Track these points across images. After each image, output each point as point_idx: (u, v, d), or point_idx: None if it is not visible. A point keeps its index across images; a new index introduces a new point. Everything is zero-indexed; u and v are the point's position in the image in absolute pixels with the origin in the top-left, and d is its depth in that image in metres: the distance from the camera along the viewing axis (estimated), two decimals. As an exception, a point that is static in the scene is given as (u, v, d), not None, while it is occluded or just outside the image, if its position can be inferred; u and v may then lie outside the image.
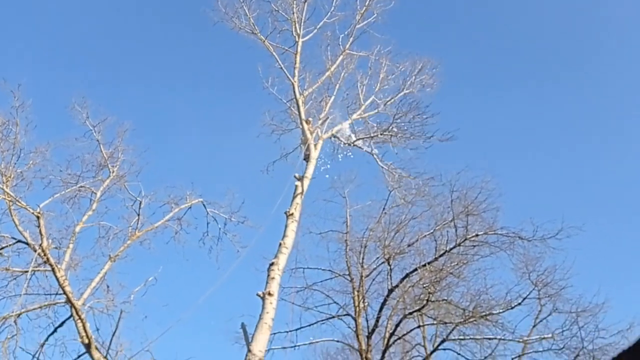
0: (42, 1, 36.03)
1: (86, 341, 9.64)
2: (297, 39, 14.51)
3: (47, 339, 10.38)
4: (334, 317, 18.14)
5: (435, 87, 15.69)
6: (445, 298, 16.91)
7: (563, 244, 16.48)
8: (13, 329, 10.04)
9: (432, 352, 17.75)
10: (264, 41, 14.35)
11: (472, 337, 16.90)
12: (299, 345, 17.55)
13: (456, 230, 16.97)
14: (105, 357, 9.62)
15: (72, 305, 9.75)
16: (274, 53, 14.27)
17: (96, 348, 9.65)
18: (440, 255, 16.97)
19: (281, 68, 14.10)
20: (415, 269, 16.94)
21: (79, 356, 10.10)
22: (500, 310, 16.62)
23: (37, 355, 10.25)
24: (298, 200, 11.71)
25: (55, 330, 10.44)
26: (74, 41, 37.00)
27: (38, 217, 10.09)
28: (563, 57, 37.98)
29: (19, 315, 10.06)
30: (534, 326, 17.14)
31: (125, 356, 9.87)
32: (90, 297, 10.46)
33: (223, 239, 12.94)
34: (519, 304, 16.65)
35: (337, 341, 18.54)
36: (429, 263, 16.75)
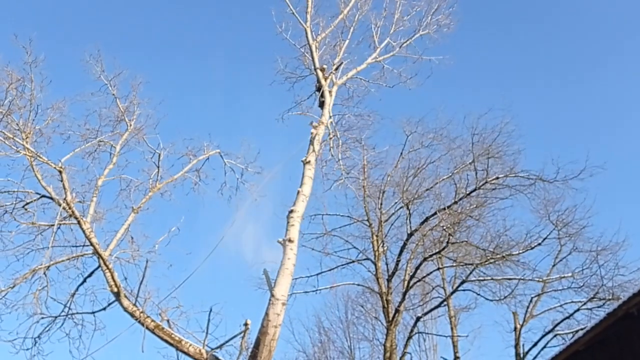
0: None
1: (115, 290, 9.96)
2: (309, -19, 14.08)
3: (77, 289, 10.72)
4: (353, 261, 18.45)
5: (452, 27, 15.26)
6: (465, 240, 17.01)
7: (585, 184, 16.36)
8: (43, 281, 10.40)
9: (452, 293, 18.05)
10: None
11: (491, 277, 17.08)
12: (320, 290, 17.97)
13: (476, 174, 16.88)
14: (135, 304, 9.93)
15: (100, 256, 10.02)
16: (286, -3, 13.90)
17: (125, 296, 9.96)
18: (460, 199, 16.96)
19: (293, 13, 13.78)
20: (435, 213, 16.99)
21: (109, 304, 10.43)
22: (520, 251, 16.70)
23: (68, 305, 10.64)
24: (315, 147, 11.70)
25: (84, 281, 10.76)
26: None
27: (60, 172, 10.24)
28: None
29: (48, 267, 10.38)
30: (553, 265, 17.25)
31: (153, 303, 10.17)
32: (116, 248, 10.70)
33: (241, 188, 13.06)
34: (539, 244, 16.71)
35: (358, 285, 18.94)
36: (448, 207, 16.77)
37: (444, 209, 16.72)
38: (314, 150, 11.69)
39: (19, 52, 10.95)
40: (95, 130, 11.92)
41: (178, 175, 12.22)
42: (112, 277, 9.95)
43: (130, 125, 12.27)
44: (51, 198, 10.40)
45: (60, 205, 10.14)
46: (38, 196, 10.62)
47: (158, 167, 12.02)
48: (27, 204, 10.73)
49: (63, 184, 10.20)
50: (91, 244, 10.10)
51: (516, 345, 17.22)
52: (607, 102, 34.49)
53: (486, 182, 16.82)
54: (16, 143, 10.14)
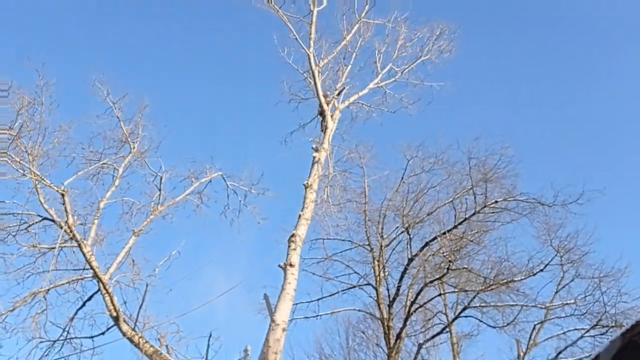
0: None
1: (114, 314, 9.89)
2: (311, 8, 14.30)
3: (76, 313, 10.66)
4: (354, 286, 18.28)
5: (454, 52, 15.46)
6: (466, 266, 16.90)
7: (584, 209, 16.32)
8: (43, 304, 10.33)
9: (453, 320, 17.86)
10: (278, 11, 14.18)
11: (493, 304, 16.93)
12: (321, 315, 17.80)
13: (475, 198, 16.86)
14: (134, 329, 9.85)
15: (100, 280, 9.98)
16: (288, 24, 14.12)
17: (124, 321, 9.89)
18: (460, 223, 16.91)
19: (296, 39, 13.96)
20: (435, 238, 16.92)
21: (107, 329, 10.36)
22: (522, 277, 16.58)
23: (67, 329, 10.55)
24: (316, 171, 11.74)
25: (83, 305, 10.70)
26: (94, 20, 36.97)
27: (63, 195, 10.27)
28: (584, 19, 36.86)
29: (48, 290, 10.33)
30: (556, 292, 17.10)
31: (152, 328, 10.10)
32: (116, 272, 10.67)
33: (243, 211, 13.06)
34: (541, 270, 16.58)
35: (359, 310, 18.75)
36: (448, 231, 16.71)
37: (444, 233, 16.68)
38: (315, 174, 11.74)
39: (31, 73, 11.11)
40: (99, 153, 12.01)
41: (180, 198, 12.24)
42: (112, 301, 9.90)
43: (134, 148, 12.33)
44: (53, 220, 10.41)
45: (61, 228, 10.14)
46: (40, 218, 10.64)
47: (160, 189, 12.06)
48: (30, 226, 10.75)
49: (65, 207, 10.22)
50: (91, 268, 10.07)
51: (520, 374, 16.99)
52: (607, 126, 34.69)
53: (485, 206, 16.79)
54: (23, 166, 10.20)
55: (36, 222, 10.69)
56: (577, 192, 16.21)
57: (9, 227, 10.62)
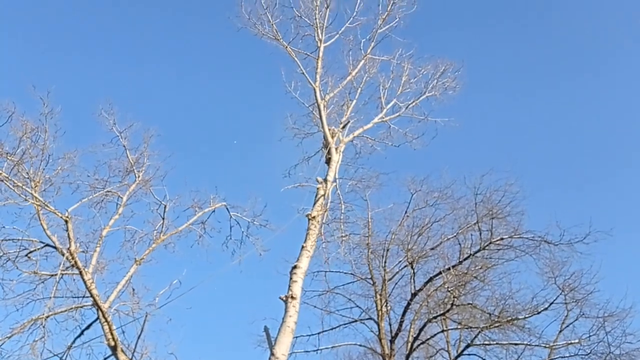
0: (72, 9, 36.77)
1: (112, 344, 9.80)
2: (319, 44, 14.57)
3: (74, 341, 10.57)
4: (356, 320, 18.10)
5: (458, 89, 15.62)
6: (470, 302, 16.74)
7: (590, 249, 16.23)
8: (41, 331, 10.25)
9: (456, 357, 17.57)
10: (287, 47, 14.45)
11: (497, 342, 16.70)
12: (321, 349, 17.55)
13: (480, 234, 16.82)
14: (131, 359, 9.75)
15: (99, 308, 9.92)
16: (296, 58, 14.36)
17: (122, 350, 9.80)
18: (465, 259, 16.83)
19: (303, 73, 14.17)
20: (439, 273, 16.81)
21: (105, 358, 10.26)
22: (526, 315, 16.40)
23: (64, 357, 10.45)
24: (320, 203, 11.76)
25: (82, 333, 10.62)
26: (104, 49, 37.73)
27: (66, 221, 10.29)
28: (588, 59, 37.30)
29: (47, 318, 10.26)
30: (560, 331, 16.86)
31: (150, 358, 9.99)
32: (116, 300, 10.63)
33: (246, 242, 13.02)
34: (546, 309, 16.41)
35: (360, 345, 18.49)
36: (453, 267, 16.61)
37: (449, 269, 16.57)
38: (319, 206, 11.76)
39: (36, 102, 11.27)
40: (103, 181, 12.09)
41: (183, 227, 12.23)
42: (110, 330, 9.82)
43: (139, 176, 12.41)
44: (55, 247, 10.41)
45: (63, 254, 10.14)
46: (42, 245, 10.64)
47: (163, 218, 12.08)
48: (31, 252, 10.74)
49: (68, 234, 10.23)
50: (91, 296, 10.02)
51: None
52: (616, 165, 34.63)
53: (491, 243, 16.74)
54: (25, 192, 10.25)
55: (37, 249, 10.69)
56: (583, 232, 16.18)
57: (9, 252, 10.62)
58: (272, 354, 9.22)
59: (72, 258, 10.07)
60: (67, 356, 10.48)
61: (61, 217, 10.32)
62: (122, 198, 11.98)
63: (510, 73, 37.71)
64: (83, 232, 11.23)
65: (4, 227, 10.64)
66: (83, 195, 11.59)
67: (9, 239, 10.66)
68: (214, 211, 12.71)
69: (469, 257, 16.77)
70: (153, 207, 12.33)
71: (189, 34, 39.56)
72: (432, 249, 17.92)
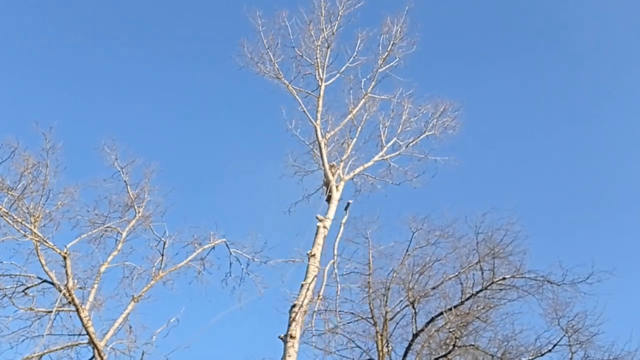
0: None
1: (107, 383, 9.60)
2: (320, 83, 14.81)
3: (68, 381, 10.35)
4: (357, 361, 17.73)
5: (458, 128, 15.77)
6: (473, 343, 16.43)
7: (594, 289, 16.00)
8: (35, 370, 10.05)
9: (459, 400, 17.14)
10: (288, 85, 14.68)
11: (501, 385, 16.31)
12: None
13: (482, 273, 16.64)
14: (126, 399, 9.53)
15: (95, 346, 9.77)
16: (297, 97, 14.59)
17: (117, 390, 9.59)
18: (467, 299, 16.59)
19: (304, 111, 14.36)
20: (441, 313, 16.55)
21: (99, 398, 10.00)
22: (530, 357, 16.07)
23: (58, 397, 10.21)
24: (319, 240, 11.70)
25: (77, 372, 10.42)
26: (106, 86, 38.26)
27: (65, 258, 10.24)
28: (592, 98, 37.73)
29: (41, 356, 10.08)
30: (566, 375, 16.49)
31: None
32: (112, 338, 10.47)
33: (245, 279, 12.91)
34: (549, 350, 16.09)
35: (361, 388, 18.04)
36: (454, 307, 16.37)
37: (450, 309, 16.32)
38: (319, 244, 11.70)
39: (38, 137, 11.38)
40: (103, 216, 12.10)
41: (182, 264, 12.16)
42: (106, 370, 9.63)
43: (139, 212, 12.42)
44: (52, 283, 10.33)
45: (60, 291, 10.05)
46: (39, 281, 10.57)
47: (162, 254, 12.03)
48: (28, 288, 10.66)
49: (66, 270, 10.18)
50: (87, 333, 9.89)
51: None
52: (618, 204, 34.52)
53: (493, 283, 16.54)
54: (24, 227, 10.23)
55: (35, 285, 10.61)
56: (586, 272, 15.98)
57: (6, 288, 10.52)
58: (270, 395, 9.02)
59: (70, 295, 9.98)
60: (60, 396, 10.23)
61: (60, 253, 10.28)
62: (121, 234, 11.95)
63: (511, 111, 38.03)
64: (81, 268, 11.20)
65: (1, 262, 10.60)
66: (82, 230, 11.60)
67: (7, 275, 10.62)
68: (213, 247, 12.68)
69: (471, 297, 16.54)
70: (152, 243, 12.32)
71: (191, 72, 40.15)
72: (434, 288, 17.69)
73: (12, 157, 10.74)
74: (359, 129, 15.23)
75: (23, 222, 10.25)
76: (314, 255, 11.36)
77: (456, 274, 17.49)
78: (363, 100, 15.32)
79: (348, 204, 13.06)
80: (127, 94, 38.37)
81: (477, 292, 16.58)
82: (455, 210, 16.52)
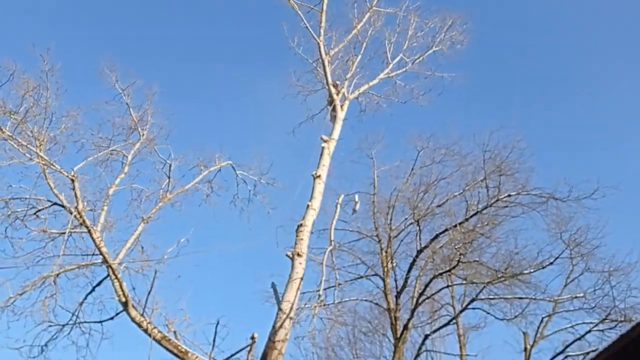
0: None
1: (123, 300, 9.96)
2: (323, -4, 14.18)
3: (85, 298, 10.73)
4: (362, 277, 18.31)
5: (466, 43, 15.30)
6: (476, 259, 16.83)
7: (598, 204, 16.20)
8: (52, 289, 10.41)
9: (461, 311, 17.82)
10: (289, 0, 14.09)
11: (502, 296, 16.88)
12: (327, 305, 17.77)
13: (488, 191, 16.75)
14: (142, 314, 9.92)
15: (109, 266, 10.04)
16: (299, 12, 14.02)
17: (133, 306, 9.96)
18: (471, 216, 16.82)
19: (306, 27, 13.87)
20: (445, 230, 16.86)
21: (116, 314, 10.43)
22: (532, 270, 16.51)
23: (76, 313, 10.64)
24: (325, 162, 11.70)
25: (93, 290, 10.77)
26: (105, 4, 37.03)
27: (73, 180, 10.31)
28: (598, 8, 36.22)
29: (57, 275, 10.39)
30: (565, 286, 17.01)
31: (160, 314, 10.17)
32: (125, 258, 10.73)
33: (253, 200, 13.07)
34: (551, 263, 16.50)
35: (366, 301, 18.76)
36: (459, 224, 16.63)
37: (455, 226, 16.59)
38: (324, 165, 11.70)
39: (37, 60, 11.12)
40: (108, 139, 12.05)
41: (189, 186, 12.27)
42: (121, 287, 9.96)
43: (143, 135, 12.36)
44: (62, 206, 10.46)
45: (71, 213, 10.19)
46: (50, 204, 10.69)
47: (169, 177, 12.10)
48: (39, 210, 10.80)
49: (75, 193, 10.27)
50: (101, 253, 10.13)
51: (526, 366, 16.94)
52: (624, 120, 34.15)
53: (498, 200, 16.69)
54: (30, 151, 10.24)
55: (45, 208, 10.74)
56: (591, 188, 16.11)
57: (18, 211, 10.68)
58: (279, 309, 9.37)
59: (80, 216, 10.14)
60: (79, 312, 10.67)
61: (67, 176, 10.34)
62: (127, 157, 11.98)
63: (520, 25, 36.72)
64: (90, 191, 11.29)
65: (10, 186, 10.70)
66: (88, 154, 11.60)
67: (17, 198, 10.73)
68: (220, 170, 12.74)
69: (475, 214, 16.76)
70: (158, 166, 12.36)
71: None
72: (439, 206, 17.92)
73: (11, 80, 10.56)
74: (364, 45, 14.79)
75: (28, 146, 10.24)
76: (319, 176, 11.39)
77: (461, 191, 17.64)
78: (368, 14, 14.77)
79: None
80: (125, 15, 37.20)
81: (482, 210, 16.79)
82: (462, 128, 16.41)
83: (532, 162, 17.31)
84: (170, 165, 12.17)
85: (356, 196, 13.97)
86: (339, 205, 9.88)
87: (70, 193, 10.38)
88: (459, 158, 18.03)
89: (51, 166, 10.27)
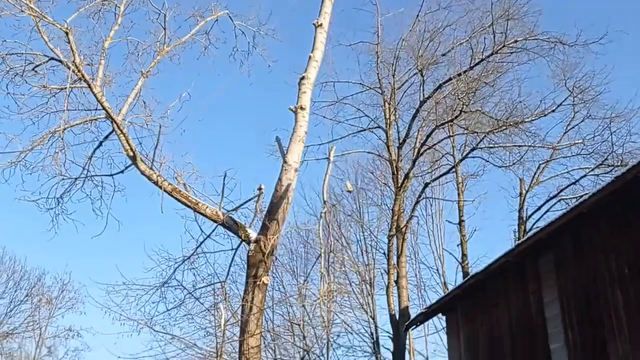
0: None
1: (131, 154, 10.15)
2: None
3: (94, 152, 10.97)
4: (365, 129, 18.52)
5: None
6: (479, 108, 16.83)
7: (605, 49, 15.80)
8: (60, 144, 10.57)
9: (461, 160, 18.28)
10: None
11: (501, 145, 17.18)
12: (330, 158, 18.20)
13: (494, 37, 16.22)
14: (151, 167, 10.18)
15: (113, 120, 10.08)
16: None
17: (141, 160, 10.19)
18: (476, 64, 16.49)
19: None
20: (449, 79, 16.64)
21: (126, 167, 10.72)
22: (533, 118, 16.60)
23: (86, 167, 10.95)
24: (327, 9, 11.15)
25: (100, 144, 10.96)
26: None
27: (67, 33, 9.94)
28: None
29: (64, 130, 10.47)
30: (565, 133, 17.25)
31: (169, 167, 10.43)
32: (129, 113, 10.75)
33: (252, 53, 12.72)
34: (553, 111, 16.55)
35: (369, 152, 19.16)
36: (464, 72, 16.36)
37: (459, 74, 16.33)
38: (326, 13, 11.16)
39: None
40: (98, -13, 11.37)
41: (186, 38, 11.88)
42: (127, 142, 10.10)
43: (134, -18, 11.66)
44: (60, 61, 10.22)
45: (69, 68, 9.99)
46: (47, 59, 10.43)
47: (164, 28, 11.64)
48: (37, 66, 10.58)
49: (70, 46, 9.96)
50: (103, 108, 10.12)
51: (520, 210, 17.78)
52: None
53: (504, 46, 16.23)
54: (20, 2, 9.73)
55: (43, 63, 10.50)
56: (600, 32, 15.61)
57: (16, 67, 10.48)
58: (284, 162, 9.59)
59: (79, 71, 9.96)
60: (89, 166, 10.97)
61: (61, 29, 9.95)
62: (119, 7, 11.41)
63: None
64: (85, 45, 10.94)
65: (5, 40, 10.37)
66: (79, 5, 11.03)
67: (13, 53, 10.46)
68: (216, 20, 12.22)
69: (480, 61, 16.40)
70: (152, 16, 11.84)
71: None
72: (444, 54, 17.52)
73: None
74: None
75: (17, -3, 9.71)
76: (320, 25, 10.92)
77: (467, 38, 17.12)
78: None
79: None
80: None
81: (488, 56, 16.41)
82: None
83: (542, 4, 16.55)
84: (165, 15, 11.66)
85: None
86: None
87: (65, 47, 10.07)
88: (466, 2, 17.24)
89: (43, 18, 9.82)
